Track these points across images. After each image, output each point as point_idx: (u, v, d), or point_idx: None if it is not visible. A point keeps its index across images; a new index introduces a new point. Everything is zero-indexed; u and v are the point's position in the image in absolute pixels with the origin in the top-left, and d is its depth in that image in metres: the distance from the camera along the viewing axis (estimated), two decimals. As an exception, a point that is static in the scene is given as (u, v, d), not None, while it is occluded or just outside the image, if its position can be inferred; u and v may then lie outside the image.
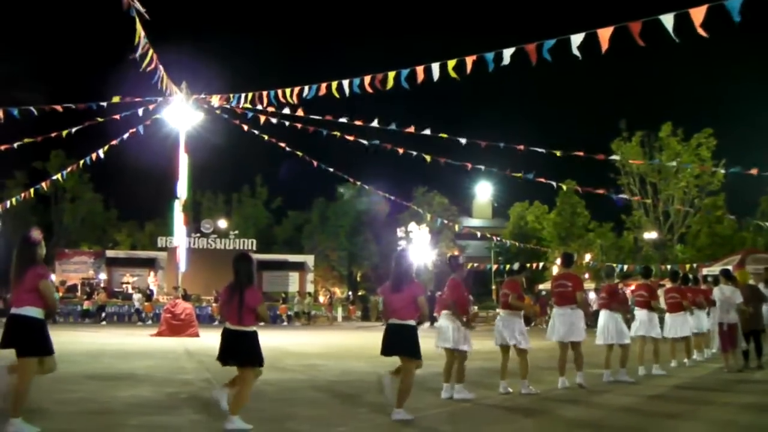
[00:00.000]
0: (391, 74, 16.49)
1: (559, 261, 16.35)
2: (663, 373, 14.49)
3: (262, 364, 8.61)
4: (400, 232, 55.53)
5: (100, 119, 25.22)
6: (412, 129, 22.88)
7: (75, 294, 44.25)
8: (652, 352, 14.60)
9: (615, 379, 13.19)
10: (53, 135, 25.16)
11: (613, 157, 24.09)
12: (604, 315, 13.77)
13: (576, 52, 12.02)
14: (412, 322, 9.35)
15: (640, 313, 14.99)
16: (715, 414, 10.31)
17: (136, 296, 40.78)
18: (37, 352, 7.88)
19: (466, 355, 11.23)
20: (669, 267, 18.28)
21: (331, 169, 30.89)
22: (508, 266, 44.91)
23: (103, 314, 39.34)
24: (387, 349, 9.42)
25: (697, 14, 10.13)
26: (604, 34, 11.61)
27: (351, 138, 24.68)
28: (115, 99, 24.25)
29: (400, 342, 9.31)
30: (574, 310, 12.52)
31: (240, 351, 8.51)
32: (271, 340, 25.87)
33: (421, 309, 9.42)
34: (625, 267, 41.56)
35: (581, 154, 22.79)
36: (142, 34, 18.96)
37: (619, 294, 14.23)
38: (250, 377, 8.60)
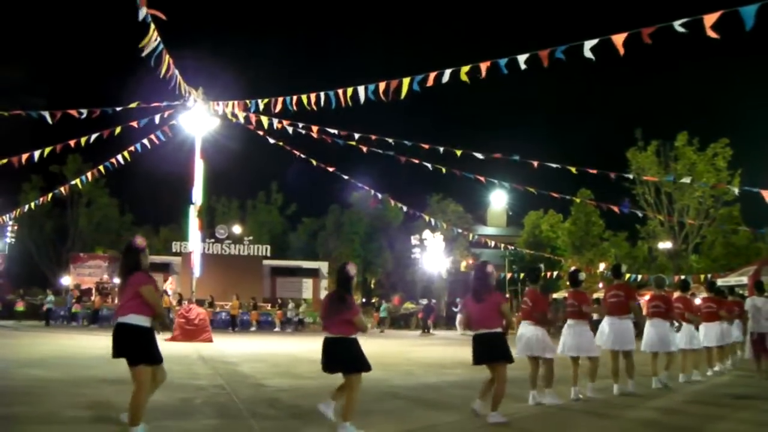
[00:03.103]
0: (406, 81, 16.49)
1: (610, 273, 16.43)
2: (675, 383, 14.46)
3: (369, 368, 8.57)
4: (414, 240, 55.50)
5: (118, 126, 25.23)
6: (426, 146, 22.95)
7: (89, 298, 44.32)
8: (665, 364, 14.55)
9: (662, 385, 13.61)
10: (72, 143, 25.14)
11: (628, 175, 23.95)
12: (650, 323, 14.06)
13: (589, 54, 11.99)
14: (499, 330, 9.61)
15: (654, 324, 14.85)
16: (760, 416, 11.22)
17: None
18: (146, 360, 7.77)
19: (552, 361, 11.39)
20: (683, 277, 18.12)
21: (346, 177, 30.91)
22: (522, 275, 45.07)
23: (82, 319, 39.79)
24: (479, 359, 9.70)
25: (710, 20, 10.16)
26: (618, 40, 11.57)
27: (365, 148, 24.65)
28: (134, 105, 24.27)
29: (492, 350, 9.57)
30: (623, 319, 12.73)
31: (344, 358, 8.51)
32: (280, 346, 25.91)
33: (506, 317, 9.68)
34: (639, 277, 41.47)
35: (595, 171, 22.66)
36: (158, 39, 18.95)
37: (672, 303, 14.46)
38: (357, 383, 8.57)
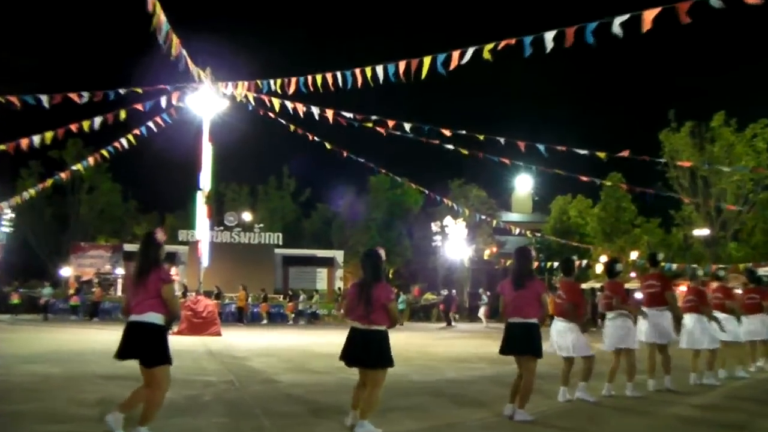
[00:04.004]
0: (427, 60, 16.47)
1: (646, 261, 16.23)
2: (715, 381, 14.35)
3: (393, 364, 8.53)
4: (435, 227, 55.41)
5: (123, 110, 25.25)
6: (448, 131, 22.94)
7: (91, 289, 44.39)
8: (709, 361, 14.37)
9: (700, 381, 13.58)
10: (74, 127, 25.16)
11: (660, 159, 23.76)
12: (690, 318, 13.84)
13: (618, 30, 11.95)
14: (535, 320, 9.55)
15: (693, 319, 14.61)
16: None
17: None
18: (165, 360, 7.73)
19: (592, 359, 11.36)
20: (719, 267, 17.91)
21: (362, 160, 30.79)
22: (549, 264, 44.86)
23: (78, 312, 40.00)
24: (508, 348, 9.73)
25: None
26: (649, 16, 11.53)
27: (382, 130, 24.60)
28: (137, 90, 24.30)
29: (524, 341, 9.55)
30: (661, 311, 12.67)
31: (370, 352, 8.46)
32: (293, 340, 25.95)
33: (544, 307, 9.62)
34: (674, 266, 41.20)
35: (626, 155, 22.59)
36: (164, 19, 18.99)
37: (706, 296, 14.26)
38: (382, 379, 8.55)
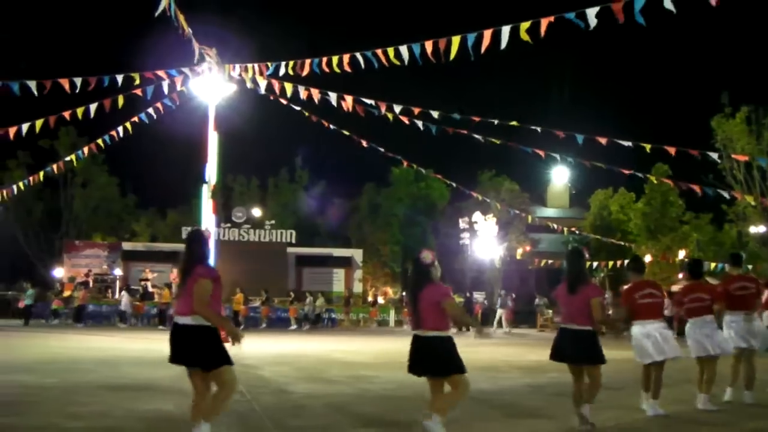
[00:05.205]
0: (456, 40, 16.44)
1: (728, 262, 15.99)
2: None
3: (464, 370, 8.54)
4: (462, 223, 55.30)
5: (120, 96, 25.22)
6: (477, 119, 22.89)
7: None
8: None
9: None
10: (67, 114, 25.17)
11: (712, 153, 23.63)
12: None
13: (669, 6, 11.92)
14: (588, 327, 9.66)
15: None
16: None
17: (124, 296, 41.10)
18: (225, 360, 7.92)
19: (660, 368, 11.26)
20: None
21: (383, 150, 30.68)
22: (594, 263, 44.74)
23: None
24: (558, 356, 9.90)
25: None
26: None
27: (405, 118, 24.49)
28: (134, 75, 24.30)
29: (575, 349, 9.69)
30: (750, 315, 12.56)
31: (433, 359, 8.54)
32: (306, 346, 26.02)
33: (595, 313, 9.64)
34: (726, 267, 40.88)
35: (673, 150, 22.49)
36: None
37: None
38: (464, 387, 8.61)
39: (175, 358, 7.91)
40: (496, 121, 22.72)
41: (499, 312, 41.78)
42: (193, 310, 7.75)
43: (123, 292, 41.77)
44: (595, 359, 9.60)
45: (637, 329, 11.21)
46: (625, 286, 12.06)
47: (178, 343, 7.88)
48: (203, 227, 8.10)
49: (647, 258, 45.43)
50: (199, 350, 7.81)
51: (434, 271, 8.85)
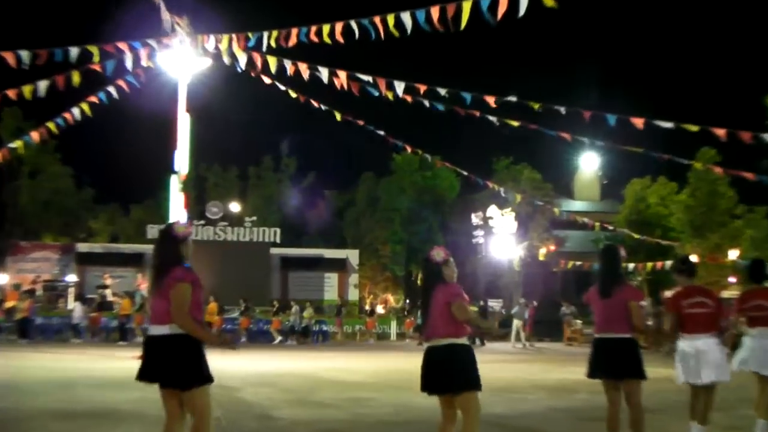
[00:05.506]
0: (467, 5, 16.44)
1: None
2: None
3: (479, 386, 8.56)
4: (475, 219, 55.28)
5: (76, 72, 25.14)
6: (492, 99, 22.88)
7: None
8: None
9: None
10: (12, 93, 25.06)
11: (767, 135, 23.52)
12: None
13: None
14: (629, 335, 9.59)
15: None
16: None
17: (77, 306, 40.98)
18: (202, 379, 7.81)
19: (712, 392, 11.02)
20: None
21: (383, 133, 30.56)
22: (630, 265, 44.65)
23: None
24: (598, 370, 9.81)
25: None
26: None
27: (409, 97, 24.45)
28: (92, 48, 24.20)
29: (616, 361, 9.61)
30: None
31: (443, 371, 8.53)
32: (291, 364, 26.07)
33: (633, 318, 9.57)
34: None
35: (722, 131, 22.46)
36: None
37: None
38: (474, 408, 8.58)
39: (148, 374, 7.76)
40: (514, 99, 22.73)
41: (516, 324, 41.54)
42: (171, 318, 7.67)
43: (77, 302, 41.66)
44: (636, 372, 9.50)
45: (684, 344, 10.80)
46: (670, 292, 11.92)
47: (152, 358, 7.79)
48: (179, 222, 7.95)
49: (693, 258, 45.34)
50: (178, 365, 7.69)
51: (447, 270, 8.89)
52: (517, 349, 38.63)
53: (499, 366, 26.31)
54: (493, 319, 43.38)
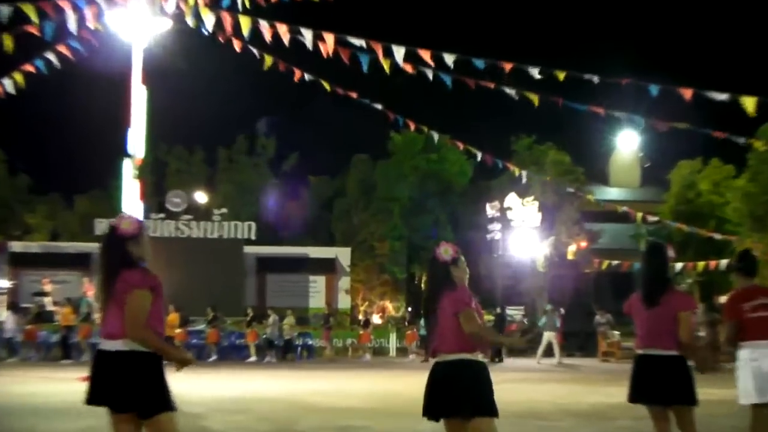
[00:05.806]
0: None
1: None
2: None
3: (495, 412, 8.58)
4: (491, 210, 55.23)
5: (6, 35, 25.14)
6: (509, 66, 22.88)
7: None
8: None
9: None
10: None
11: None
12: None
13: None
14: (675, 352, 9.45)
15: None
16: None
17: (10, 317, 40.70)
18: (166, 405, 7.75)
19: None
20: None
21: (380, 107, 30.43)
22: (678, 264, 44.60)
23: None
24: (642, 395, 9.69)
25: None
26: None
27: (410, 66, 24.46)
28: (27, 7, 24.14)
29: (666, 383, 9.45)
30: None
31: (451, 392, 8.50)
32: (269, 386, 26.14)
33: (681, 332, 9.42)
34: None
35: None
36: None
37: None
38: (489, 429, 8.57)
39: (98, 397, 7.68)
40: (536, 70, 22.76)
41: (546, 336, 41.28)
42: (125, 332, 7.59)
43: (9, 312, 41.60)
44: (687, 397, 9.39)
45: (746, 354, 10.57)
46: (727, 295, 11.79)
47: (103, 377, 7.68)
48: (125, 215, 7.80)
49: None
50: (135, 387, 7.58)
51: (456, 270, 8.87)
52: (548, 366, 38.49)
53: (521, 386, 26.38)
54: (518, 335, 42.09)
